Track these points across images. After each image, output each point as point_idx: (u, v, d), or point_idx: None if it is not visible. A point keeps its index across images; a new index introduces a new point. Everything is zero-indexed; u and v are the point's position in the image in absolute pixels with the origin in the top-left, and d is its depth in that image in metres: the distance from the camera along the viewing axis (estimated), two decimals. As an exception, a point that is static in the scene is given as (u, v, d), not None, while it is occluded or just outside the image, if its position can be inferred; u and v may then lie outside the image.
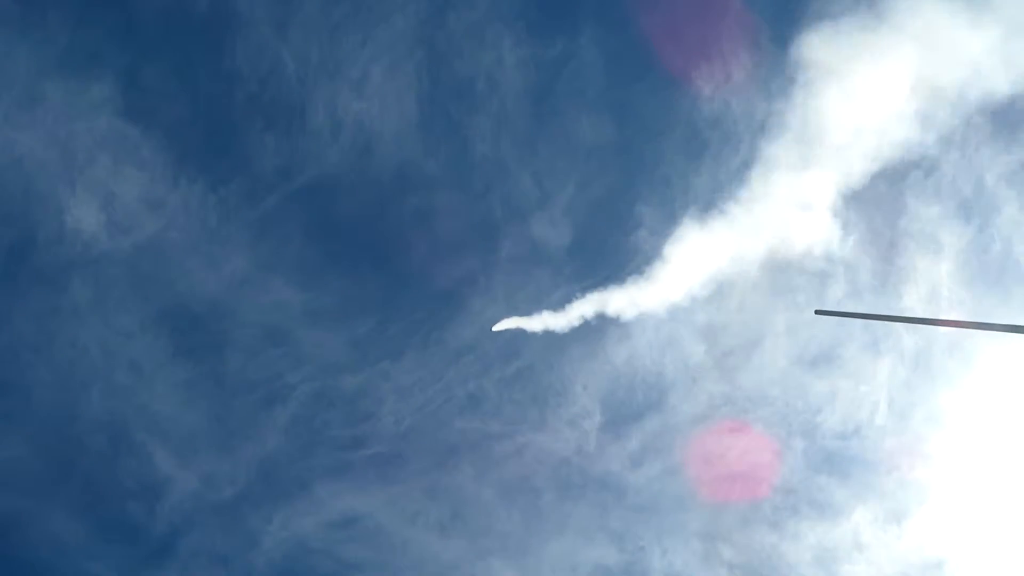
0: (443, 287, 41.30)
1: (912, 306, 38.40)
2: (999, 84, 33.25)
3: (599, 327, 40.23)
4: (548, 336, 40.32)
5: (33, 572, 39.51)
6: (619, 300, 39.65)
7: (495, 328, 39.19)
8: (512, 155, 38.84)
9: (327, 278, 40.64)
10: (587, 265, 40.44)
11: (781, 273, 39.21)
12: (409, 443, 42.26)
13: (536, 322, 38.59)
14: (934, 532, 41.24)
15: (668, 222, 38.85)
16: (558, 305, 39.66)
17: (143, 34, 35.56)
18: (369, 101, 37.59)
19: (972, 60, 33.73)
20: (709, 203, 38.89)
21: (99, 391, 39.24)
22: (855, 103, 37.27)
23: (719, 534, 42.60)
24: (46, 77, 34.47)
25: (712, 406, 41.78)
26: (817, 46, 36.34)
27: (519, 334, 40.43)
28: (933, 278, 38.26)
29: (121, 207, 36.92)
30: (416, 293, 41.57)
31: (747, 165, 38.43)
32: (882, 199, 38.09)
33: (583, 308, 39.56)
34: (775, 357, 41.01)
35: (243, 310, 40.18)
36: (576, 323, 39.28)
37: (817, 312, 18.89)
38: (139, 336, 39.17)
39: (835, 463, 42.20)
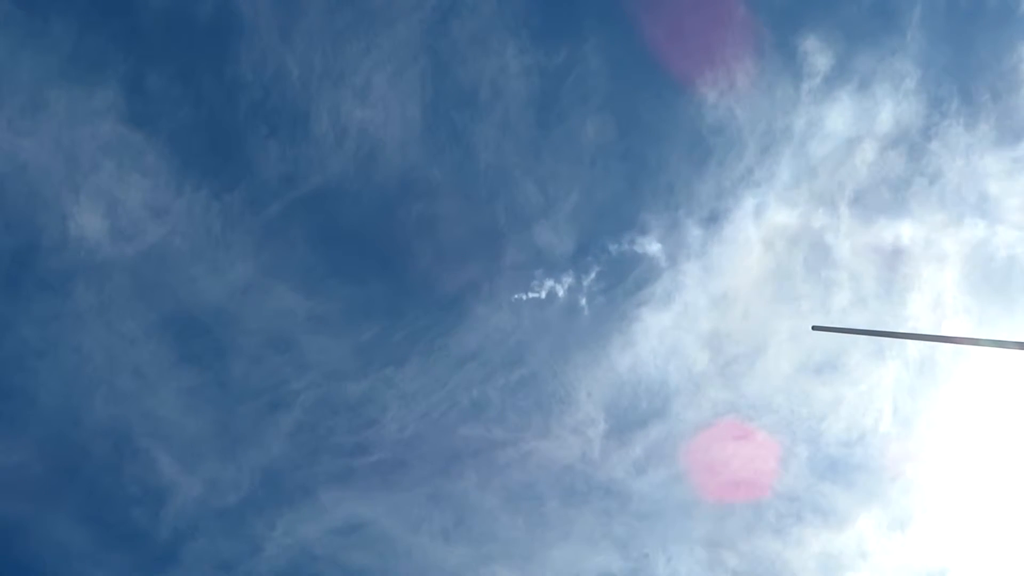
0: (447, 294, 41.25)
1: (917, 314, 38.37)
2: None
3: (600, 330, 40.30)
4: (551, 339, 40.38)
5: (36, 578, 39.51)
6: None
7: None
8: (516, 162, 38.78)
9: (331, 285, 40.59)
10: (590, 272, 40.39)
11: (785, 280, 39.20)
12: (413, 450, 42.23)
13: None
14: (938, 540, 41.26)
15: (672, 229, 38.87)
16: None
17: (147, 40, 35.52)
18: (373, 108, 37.55)
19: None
20: (713, 210, 38.91)
21: (103, 397, 39.21)
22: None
23: (723, 541, 42.61)
24: (50, 83, 34.44)
25: (716, 413, 41.79)
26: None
27: (523, 338, 40.41)
28: (938, 286, 38.23)
29: (125, 213, 36.90)
30: (420, 300, 41.51)
31: (751, 172, 38.43)
32: (887, 205, 38.09)
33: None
34: (779, 364, 41.00)
35: (247, 317, 40.12)
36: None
37: (814, 328, 18.67)
38: (143, 342, 39.13)
39: (839, 470, 42.20)
